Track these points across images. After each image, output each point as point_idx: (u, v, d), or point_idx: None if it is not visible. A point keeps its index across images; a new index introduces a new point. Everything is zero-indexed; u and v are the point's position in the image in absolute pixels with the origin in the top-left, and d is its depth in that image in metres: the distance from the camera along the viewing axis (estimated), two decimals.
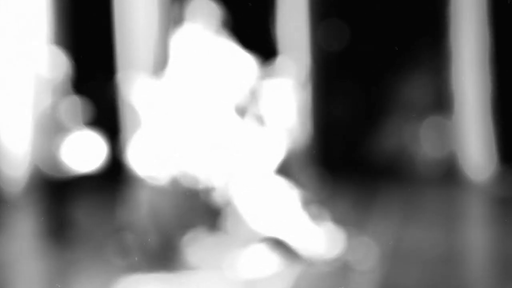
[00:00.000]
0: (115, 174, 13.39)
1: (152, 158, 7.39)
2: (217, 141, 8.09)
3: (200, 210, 7.86)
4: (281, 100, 8.60)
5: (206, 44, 8.35)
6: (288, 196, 7.80)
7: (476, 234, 8.42)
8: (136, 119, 10.59)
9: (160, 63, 8.69)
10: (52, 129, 8.24)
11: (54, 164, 8.19)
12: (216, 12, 8.40)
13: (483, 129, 11.69)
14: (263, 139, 8.43)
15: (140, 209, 7.27)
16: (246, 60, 8.47)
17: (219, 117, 8.25)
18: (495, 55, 13.85)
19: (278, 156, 8.54)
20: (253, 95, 8.44)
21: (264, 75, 8.61)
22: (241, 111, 8.34)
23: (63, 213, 8.39)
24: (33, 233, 8.88)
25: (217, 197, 7.91)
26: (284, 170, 8.43)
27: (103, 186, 12.60)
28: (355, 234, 8.22)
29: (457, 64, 12.18)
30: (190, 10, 8.44)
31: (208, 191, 7.97)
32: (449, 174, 12.53)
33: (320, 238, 7.64)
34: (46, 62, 8.35)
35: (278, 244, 7.33)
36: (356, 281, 6.54)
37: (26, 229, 9.34)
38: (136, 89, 7.90)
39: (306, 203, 7.88)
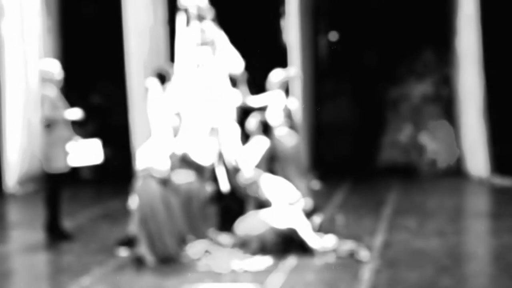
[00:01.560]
0: (119, 171, 13.41)
1: (159, 156, 7.40)
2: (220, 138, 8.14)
3: (208, 208, 7.87)
4: (281, 106, 8.63)
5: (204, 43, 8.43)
6: (292, 194, 7.84)
7: (477, 230, 8.47)
8: (144, 119, 10.60)
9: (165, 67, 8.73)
10: (51, 131, 8.26)
11: (52, 161, 8.19)
12: (208, 9, 8.46)
13: (482, 133, 11.72)
14: (259, 141, 8.46)
15: (142, 208, 7.26)
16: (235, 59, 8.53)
17: (219, 115, 8.30)
18: (494, 64, 13.93)
19: (274, 157, 8.58)
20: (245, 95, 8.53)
21: (268, 82, 8.67)
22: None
23: (61, 208, 8.39)
24: (33, 228, 8.92)
25: (224, 194, 7.92)
26: (282, 172, 8.45)
27: (105, 183, 12.64)
28: (353, 229, 8.25)
29: (459, 72, 12.23)
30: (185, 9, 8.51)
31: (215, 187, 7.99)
32: (451, 175, 12.57)
33: (320, 232, 7.66)
34: (46, 69, 8.40)
35: (289, 237, 7.33)
36: (357, 273, 6.56)
37: (25, 224, 9.36)
38: (147, 91, 7.95)
39: (306, 202, 7.87)
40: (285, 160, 8.53)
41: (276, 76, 8.74)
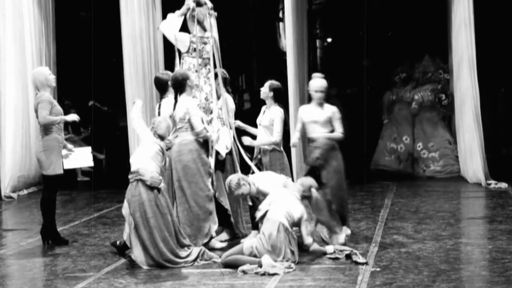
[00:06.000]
0: (116, 175, 13.37)
1: (148, 161, 7.37)
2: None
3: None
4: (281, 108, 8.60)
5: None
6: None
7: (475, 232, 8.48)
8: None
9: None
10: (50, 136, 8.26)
11: (48, 165, 8.17)
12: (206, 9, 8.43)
13: (478, 137, 11.72)
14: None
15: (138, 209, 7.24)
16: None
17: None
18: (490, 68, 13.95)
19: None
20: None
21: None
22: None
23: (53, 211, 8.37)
24: (28, 232, 8.90)
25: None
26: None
27: (102, 187, 12.61)
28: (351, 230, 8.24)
29: (456, 77, 12.23)
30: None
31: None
32: (447, 179, 12.58)
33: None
34: (41, 74, 8.37)
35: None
36: (353, 277, 6.56)
37: (21, 228, 9.34)
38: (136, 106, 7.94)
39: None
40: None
41: (320, 85, 8.22)
